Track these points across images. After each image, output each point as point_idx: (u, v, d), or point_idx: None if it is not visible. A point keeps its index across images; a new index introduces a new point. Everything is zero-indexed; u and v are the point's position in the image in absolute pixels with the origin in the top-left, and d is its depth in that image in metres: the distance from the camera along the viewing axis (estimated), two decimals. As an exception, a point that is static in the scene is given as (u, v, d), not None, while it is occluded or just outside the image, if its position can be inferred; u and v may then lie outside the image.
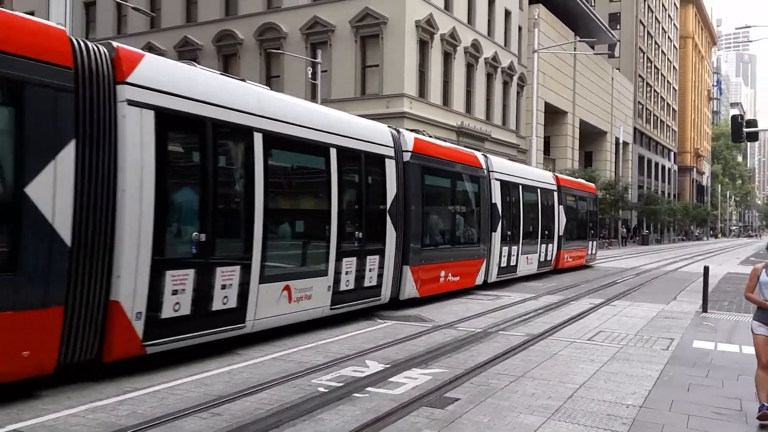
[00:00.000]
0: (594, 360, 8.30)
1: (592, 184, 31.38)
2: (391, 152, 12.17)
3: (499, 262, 17.34)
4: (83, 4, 38.47)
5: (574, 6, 49.76)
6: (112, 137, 6.81)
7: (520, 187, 18.93)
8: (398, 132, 13.05)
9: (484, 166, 16.74)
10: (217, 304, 7.98)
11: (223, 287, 8.06)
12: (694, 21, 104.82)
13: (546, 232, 20.97)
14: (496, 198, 17.04)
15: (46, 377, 6.23)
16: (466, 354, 8.56)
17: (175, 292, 7.39)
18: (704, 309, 12.92)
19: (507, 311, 12.76)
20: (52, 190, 6.16)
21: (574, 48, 48.25)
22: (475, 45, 34.97)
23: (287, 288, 9.34)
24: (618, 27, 70.33)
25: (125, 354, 7.04)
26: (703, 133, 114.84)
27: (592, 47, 52.62)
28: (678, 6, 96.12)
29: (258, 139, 8.65)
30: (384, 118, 29.64)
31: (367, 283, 11.39)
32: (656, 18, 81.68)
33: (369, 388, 6.68)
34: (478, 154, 17.17)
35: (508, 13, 39.47)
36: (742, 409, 6.23)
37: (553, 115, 48.07)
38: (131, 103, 6.96)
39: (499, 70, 38.16)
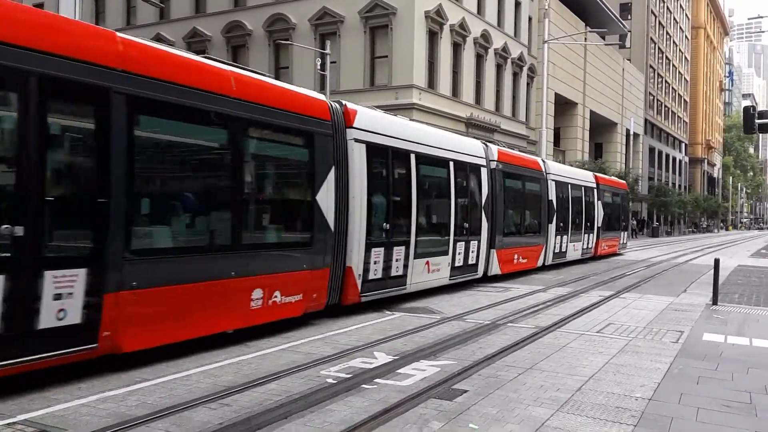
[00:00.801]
0: (603, 352, 8.28)
1: (623, 181, 34.50)
2: (483, 162, 15.83)
3: (554, 248, 20.95)
4: (93, -5, 38.55)
5: (585, -4, 49.42)
6: (345, 163, 10.55)
7: (569, 186, 22.44)
8: (487, 145, 16.65)
9: (543, 169, 20.27)
10: (392, 272, 11.81)
11: (396, 260, 11.88)
12: (706, 11, 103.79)
13: (588, 224, 24.62)
14: (552, 195, 20.57)
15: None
16: (475, 346, 8.55)
17: (375, 263, 11.22)
18: (714, 302, 12.86)
19: (515, 303, 12.74)
20: (326, 197, 10.00)
21: (585, 38, 47.94)
22: (485, 35, 34.81)
23: (427, 263, 13.08)
24: (629, 17, 69.76)
25: (352, 301, 10.85)
26: (714, 125, 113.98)
27: (603, 38, 52.18)
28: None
29: (413, 158, 12.39)
30: (393, 110, 29.54)
31: (470, 262, 15.05)
32: (668, 8, 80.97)
33: (377, 380, 6.69)
34: (539, 160, 20.89)
35: (518, 4, 39.25)
36: (751, 402, 6.19)
37: (563, 106, 47.84)
38: (356, 140, 10.74)
39: (509, 60, 37.99)
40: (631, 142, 63.29)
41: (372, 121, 11.38)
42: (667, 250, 36.21)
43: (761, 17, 39.19)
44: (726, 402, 6.16)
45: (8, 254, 5.81)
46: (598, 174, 28.27)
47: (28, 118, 5.98)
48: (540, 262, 19.84)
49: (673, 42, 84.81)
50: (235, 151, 8.47)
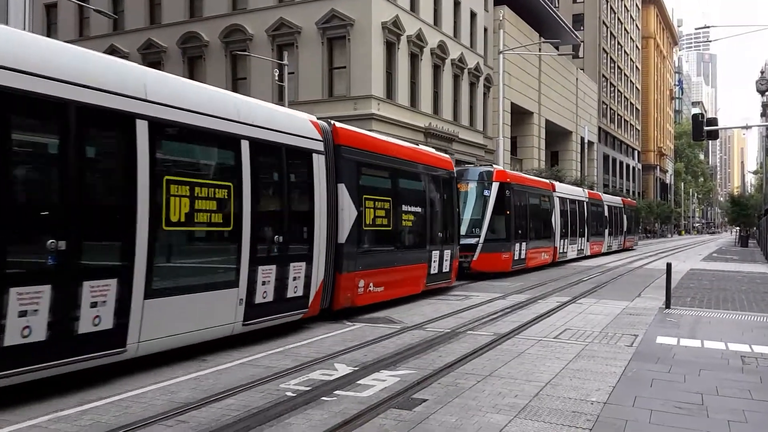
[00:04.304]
0: (560, 358, 8.40)
1: (634, 201, 54.42)
2: (583, 197, 31.71)
3: (608, 243, 36.57)
4: (44, 6, 37.72)
5: (539, 7, 50.32)
6: (557, 207, 27.09)
7: (612, 207, 38.12)
8: (583, 189, 32.33)
9: (603, 200, 36.51)
10: (564, 251, 27.97)
11: (564, 245, 27.90)
12: (656, 21, 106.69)
13: (620, 230, 40.37)
14: (607, 213, 36.40)
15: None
16: (435, 355, 8.60)
17: (562, 245, 27.54)
18: (667, 305, 13.16)
19: (475, 311, 12.85)
20: (555, 219, 26.49)
21: (539, 49, 48.74)
22: (442, 46, 35.16)
23: (572, 246, 29.31)
24: (581, 28, 71.30)
25: (555, 260, 26.54)
26: (665, 132, 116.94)
27: (557, 48, 53.20)
28: (639, 7, 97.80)
29: (567, 201, 28.59)
30: (352, 120, 29.55)
31: (582, 248, 30.57)
32: (619, 19, 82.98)
33: (337, 392, 6.67)
34: (600, 193, 38.69)
35: (473, 15, 39.75)
36: (703, 403, 6.35)
37: (520, 115, 48.51)
38: (557, 197, 27.52)
39: (465, 71, 38.41)
40: (586, 150, 64.36)
41: (560, 187, 27.32)
42: (623, 255, 36.95)
43: (708, 27, 40.39)
44: (678, 404, 6.31)
45: None
46: (624, 197, 47.89)
47: None
48: (603, 250, 35.34)
49: (625, 52, 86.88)
50: (551, 210, 25.92)
